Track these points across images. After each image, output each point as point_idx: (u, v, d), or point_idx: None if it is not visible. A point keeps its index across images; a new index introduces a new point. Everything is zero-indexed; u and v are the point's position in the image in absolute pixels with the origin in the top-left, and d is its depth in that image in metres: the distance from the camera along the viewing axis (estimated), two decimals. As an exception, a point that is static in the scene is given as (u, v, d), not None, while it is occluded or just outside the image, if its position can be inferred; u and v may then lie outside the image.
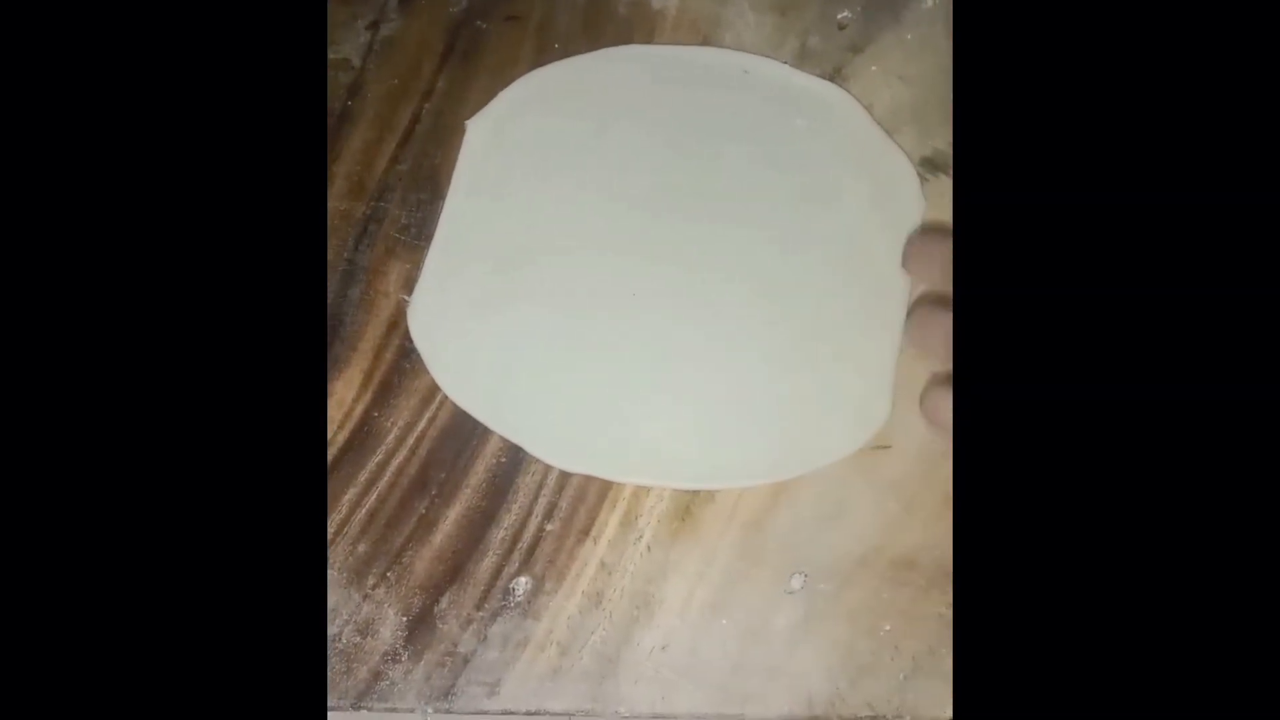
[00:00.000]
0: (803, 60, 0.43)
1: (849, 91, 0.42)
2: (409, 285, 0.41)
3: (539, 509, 0.38)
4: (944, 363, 0.36)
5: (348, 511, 0.38)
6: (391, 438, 0.39)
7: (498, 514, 0.38)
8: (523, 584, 0.37)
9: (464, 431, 0.39)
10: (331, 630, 0.37)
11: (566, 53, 0.44)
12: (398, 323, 0.41)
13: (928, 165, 0.41)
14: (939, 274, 0.38)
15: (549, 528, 0.38)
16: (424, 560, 0.38)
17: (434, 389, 0.40)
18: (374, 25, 0.45)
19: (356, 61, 0.44)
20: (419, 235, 0.42)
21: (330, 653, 0.37)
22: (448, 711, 0.36)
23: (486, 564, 0.37)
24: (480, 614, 0.37)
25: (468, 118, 0.43)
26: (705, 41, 0.44)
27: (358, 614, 0.37)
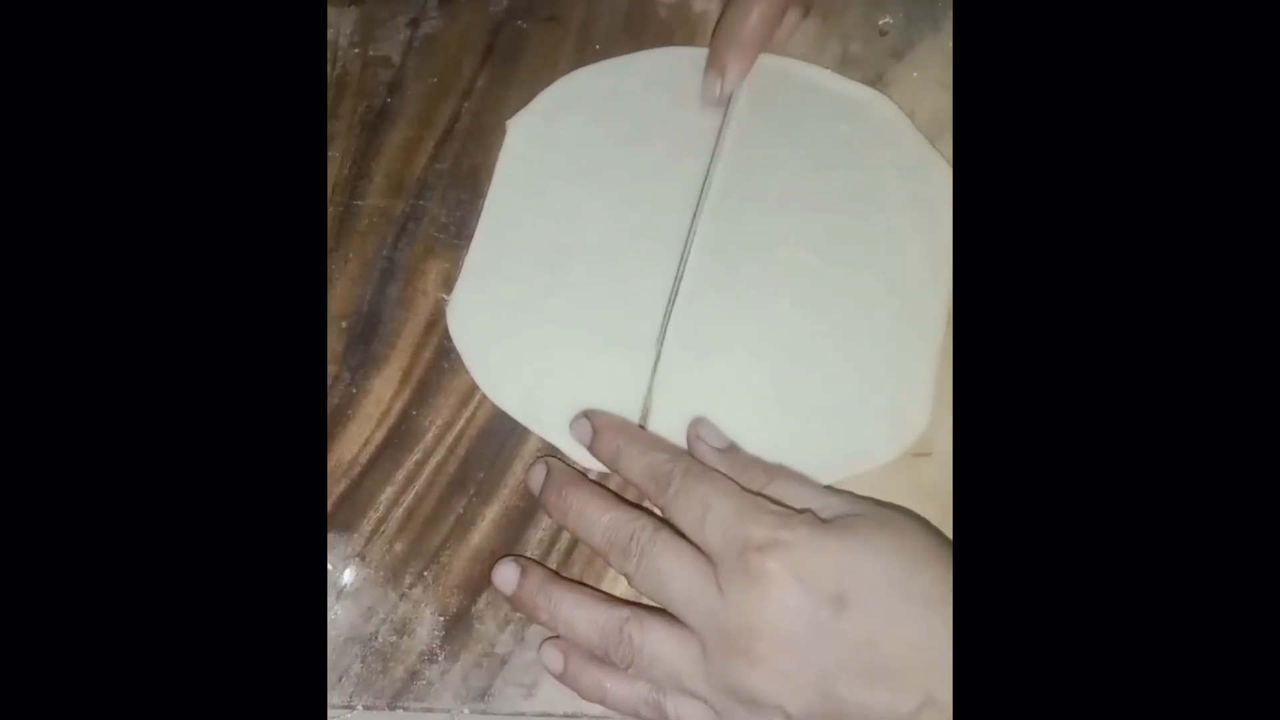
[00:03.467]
0: (844, 66, 0.43)
1: (890, 98, 0.42)
2: (448, 284, 0.41)
3: (577, 510, 0.38)
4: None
5: (385, 510, 0.38)
6: (430, 437, 0.39)
7: (536, 515, 0.38)
8: (561, 585, 0.37)
9: (502, 431, 0.39)
10: (368, 629, 0.37)
11: (607, 54, 0.44)
12: (436, 322, 0.40)
13: (969, 173, 0.41)
14: None
15: (587, 529, 0.38)
16: (462, 560, 0.38)
17: (473, 388, 0.39)
18: (414, 23, 0.45)
19: (396, 59, 0.44)
20: (458, 234, 0.42)
21: (366, 652, 0.36)
22: (484, 713, 0.36)
23: (524, 565, 0.37)
24: (518, 615, 0.37)
25: (508, 117, 0.43)
26: (747, 45, 0.43)
27: (394, 613, 0.37)
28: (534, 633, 0.36)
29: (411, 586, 0.37)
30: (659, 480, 0.35)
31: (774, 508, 0.33)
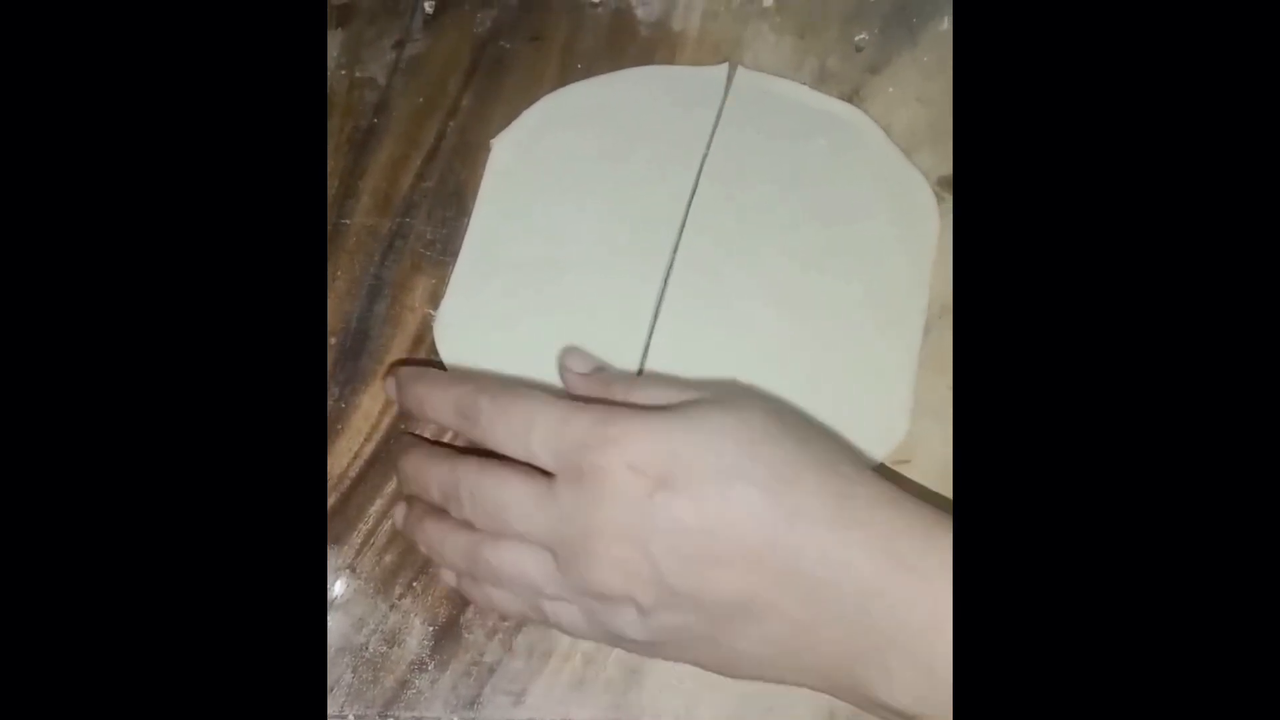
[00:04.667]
0: (822, 81, 0.44)
1: (867, 112, 0.43)
2: (435, 300, 0.42)
3: (563, 521, 0.39)
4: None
5: (374, 522, 0.39)
6: (418, 450, 0.40)
7: (523, 525, 0.39)
8: (548, 594, 0.38)
9: (489, 444, 0.40)
10: (358, 639, 0.37)
11: (589, 72, 0.45)
12: (424, 337, 0.41)
13: (945, 184, 0.42)
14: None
15: (573, 539, 0.38)
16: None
17: (460, 402, 0.40)
18: (400, 44, 0.46)
19: (382, 80, 0.45)
20: (444, 251, 0.42)
21: (357, 662, 0.37)
22: (474, 720, 0.37)
23: (512, 575, 0.38)
24: (506, 623, 0.37)
25: (493, 135, 0.44)
26: (726, 62, 0.44)
27: (384, 623, 0.38)
28: (521, 641, 0.37)
29: (401, 597, 0.38)
30: (468, 413, 0.34)
31: (596, 407, 0.32)
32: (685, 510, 0.30)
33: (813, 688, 0.32)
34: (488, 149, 0.44)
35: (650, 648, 0.33)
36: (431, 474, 0.35)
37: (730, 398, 0.33)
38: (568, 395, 0.36)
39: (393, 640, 0.37)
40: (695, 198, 0.42)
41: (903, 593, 0.29)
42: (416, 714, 0.37)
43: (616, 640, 0.33)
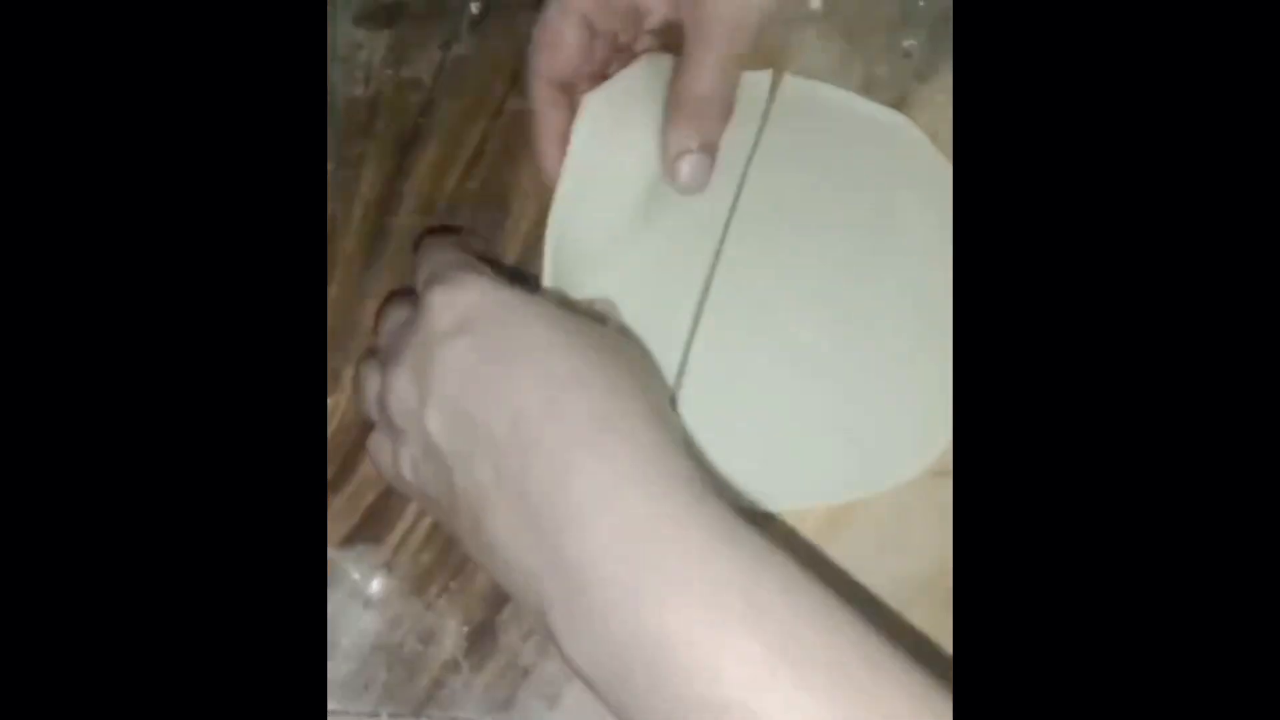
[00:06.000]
0: (869, 88, 0.44)
1: (913, 119, 0.43)
2: (476, 300, 0.42)
3: (600, 524, 0.38)
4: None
5: (412, 521, 0.39)
6: (457, 450, 0.40)
7: (560, 528, 0.38)
8: (583, 598, 0.38)
9: (528, 446, 0.40)
10: (394, 638, 0.37)
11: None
12: (464, 337, 0.41)
13: (992, 194, 0.42)
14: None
15: (610, 543, 0.38)
16: (486, 571, 0.38)
17: (499, 403, 0.40)
18: (446, 45, 0.46)
19: (427, 80, 0.45)
20: (487, 252, 0.42)
21: (392, 660, 0.37)
22: (507, 723, 0.36)
23: (548, 577, 0.38)
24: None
25: (536, 138, 0.44)
26: (773, 68, 0.44)
27: (420, 623, 0.38)
28: (557, 645, 0.37)
29: (437, 597, 0.38)
30: (417, 270, 0.37)
31: (477, 262, 0.35)
32: (465, 356, 0.31)
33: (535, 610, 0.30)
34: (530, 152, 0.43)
35: (434, 506, 0.34)
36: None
37: (612, 331, 0.35)
38: None
39: (428, 640, 0.37)
40: (740, 204, 0.42)
41: (591, 520, 0.28)
42: (450, 715, 0.37)
43: (403, 484, 0.34)
